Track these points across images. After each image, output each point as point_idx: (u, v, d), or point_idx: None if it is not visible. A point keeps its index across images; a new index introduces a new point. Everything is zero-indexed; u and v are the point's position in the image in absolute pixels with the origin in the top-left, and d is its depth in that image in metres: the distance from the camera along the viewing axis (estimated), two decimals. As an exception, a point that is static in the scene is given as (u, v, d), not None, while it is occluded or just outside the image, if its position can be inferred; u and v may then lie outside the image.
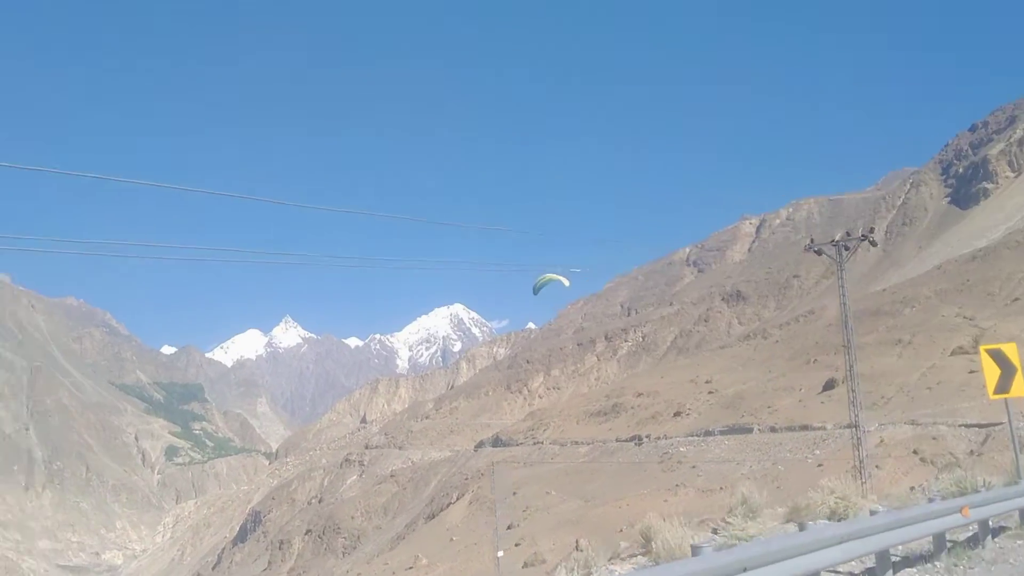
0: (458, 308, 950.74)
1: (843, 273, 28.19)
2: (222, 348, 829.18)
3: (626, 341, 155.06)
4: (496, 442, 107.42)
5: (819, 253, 28.85)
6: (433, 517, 78.33)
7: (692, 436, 62.78)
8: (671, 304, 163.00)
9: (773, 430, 54.48)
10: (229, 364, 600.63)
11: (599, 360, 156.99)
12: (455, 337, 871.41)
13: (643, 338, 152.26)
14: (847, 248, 27.98)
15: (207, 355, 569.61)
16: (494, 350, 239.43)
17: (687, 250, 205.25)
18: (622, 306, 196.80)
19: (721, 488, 41.43)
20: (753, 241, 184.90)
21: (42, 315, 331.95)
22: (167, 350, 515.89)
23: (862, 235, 27.84)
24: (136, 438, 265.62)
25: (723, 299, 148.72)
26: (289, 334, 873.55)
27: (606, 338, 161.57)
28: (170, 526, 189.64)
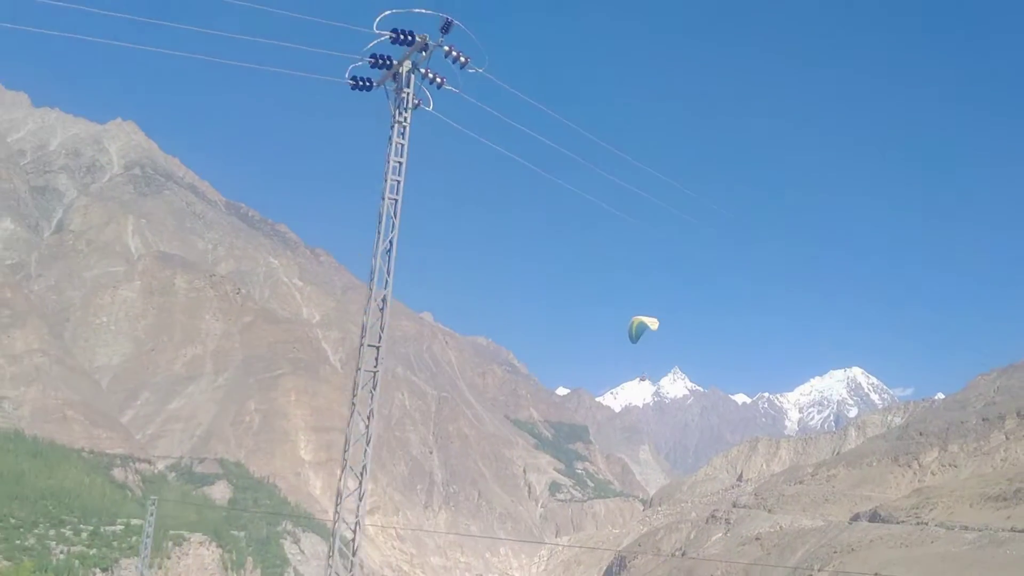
0: (856, 372, 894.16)
1: None
2: (611, 394, 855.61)
3: None
4: (874, 516, 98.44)
5: None
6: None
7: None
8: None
9: None
10: (617, 409, 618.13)
11: (1008, 439, 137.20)
12: (851, 402, 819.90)
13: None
14: None
15: (597, 399, 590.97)
16: (889, 418, 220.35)
17: None
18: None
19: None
20: None
21: (454, 351, 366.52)
22: (561, 391, 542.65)
23: None
24: (524, 471, 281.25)
25: None
26: (676, 385, 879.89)
27: (1019, 415, 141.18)
28: (545, 558, 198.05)
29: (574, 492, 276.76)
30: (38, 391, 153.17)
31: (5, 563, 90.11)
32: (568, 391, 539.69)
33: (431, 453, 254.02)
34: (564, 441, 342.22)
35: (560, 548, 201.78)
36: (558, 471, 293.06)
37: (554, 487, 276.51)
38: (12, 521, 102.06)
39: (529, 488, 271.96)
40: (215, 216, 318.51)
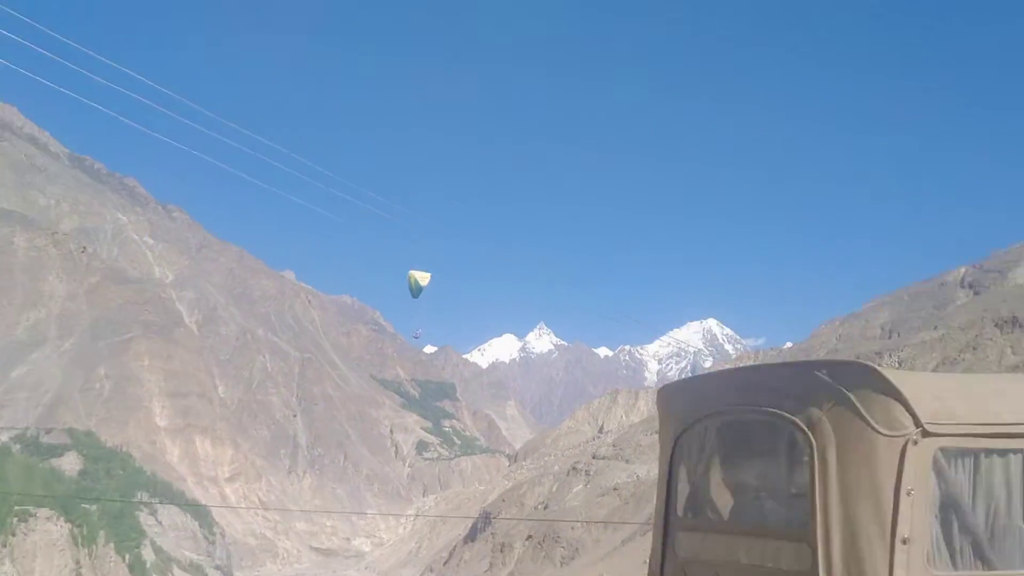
0: (711, 323, 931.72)
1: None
2: (479, 350, 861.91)
3: (880, 366, 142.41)
4: None
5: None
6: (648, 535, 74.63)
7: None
8: (935, 328, 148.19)
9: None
10: (484, 366, 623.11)
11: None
12: (707, 352, 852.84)
13: (899, 364, 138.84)
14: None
15: (464, 356, 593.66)
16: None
17: (962, 270, 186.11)
18: (882, 328, 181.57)
19: None
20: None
21: (317, 310, 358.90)
22: (428, 349, 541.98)
23: None
24: (391, 431, 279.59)
25: (996, 325, 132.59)
26: (542, 340, 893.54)
27: (856, 359, 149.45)
28: (412, 518, 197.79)
29: (441, 451, 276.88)
30: None
31: None
32: (435, 349, 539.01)
33: (295, 416, 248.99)
34: (431, 399, 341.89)
35: (428, 508, 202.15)
36: (425, 430, 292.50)
37: (421, 446, 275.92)
38: None
39: (396, 448, 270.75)
40: (58, 169, 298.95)
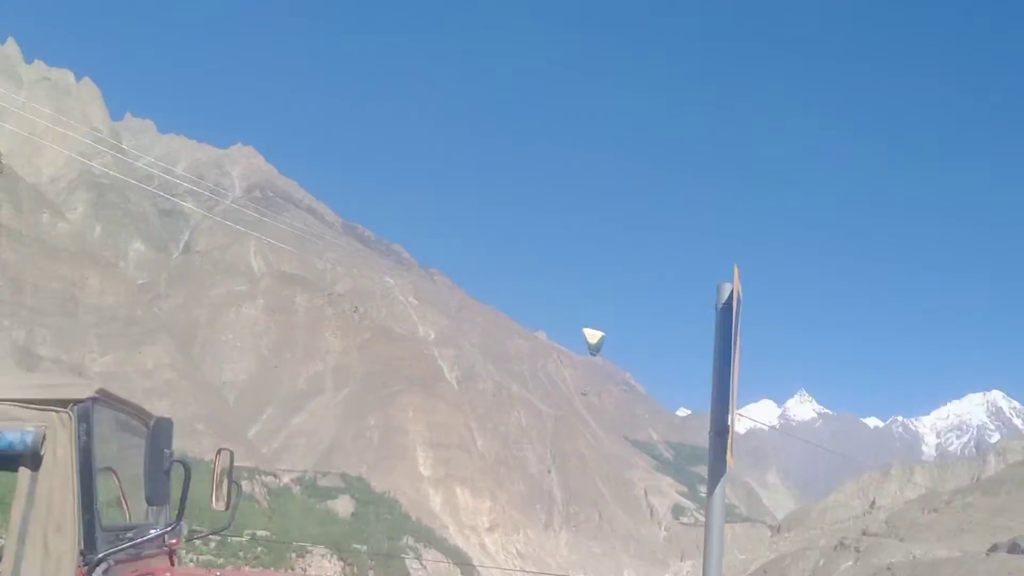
0: (996, 395, 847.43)
1: None
2: (738, 415, 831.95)
3: None
4: (1013, 548, 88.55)
5: None
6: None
7: None
8: None
9: None
10: (741, 432, 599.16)
11: None
12: (992, 427, 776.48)
13: None
14: None
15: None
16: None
17: None
18: None
19: None
20: None
21: (568, 369, 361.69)
22: (681, 412, 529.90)
23: None
24: (645, 493, 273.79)
25: None
26: (804, 407, 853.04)
27: None
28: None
29: (698, 516, 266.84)
30: (168, 405, 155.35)
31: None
32: (689, 412, 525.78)
33: (549, 472, 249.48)
34: (686, 463, 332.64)
35: (685, 573, 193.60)
36: (681, 494, 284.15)
37: (677, 510, 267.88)
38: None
39: (651, 511, 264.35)
40: (333, 236, 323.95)
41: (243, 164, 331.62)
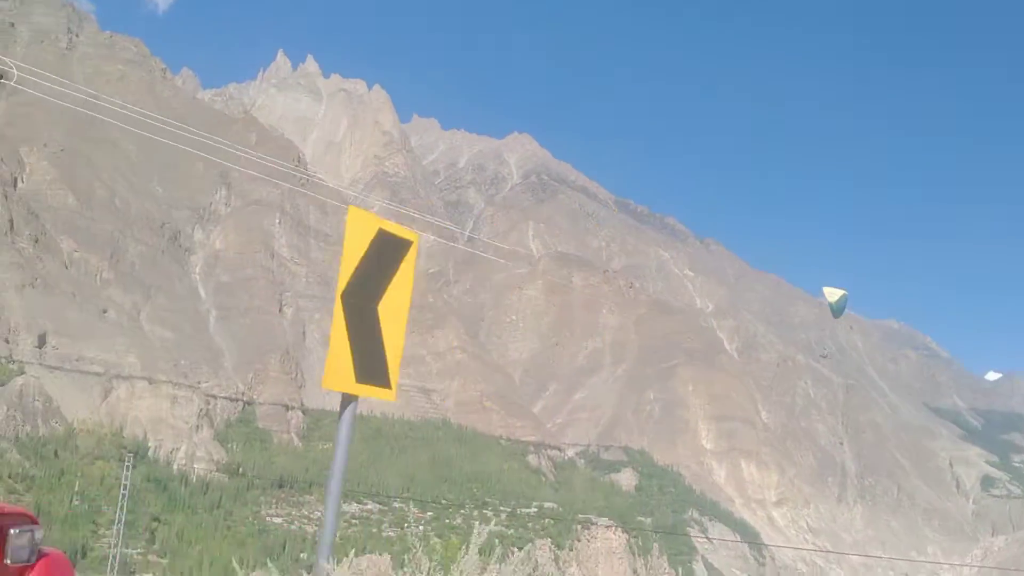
0: None
1: None
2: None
3: None
4: None
5: None
6: None
7: None
8: None
9: None
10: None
11: None
12: None
13: None
14: None
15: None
16: None
17: None
18: None
19: None
20: None
21: (859, 335, 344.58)
22: (991, 376, 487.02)
23: None
24: (950, 464, 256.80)
25: None
26: None
27: None
28: (979, 558, 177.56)
29: (1011, 487, 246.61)
30: (460, 384, 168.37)
31: (436, 540, 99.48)
32: (1000, 375, 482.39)
33: (841, 444, 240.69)
34: (996, 431, 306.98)
35: (997, 549, 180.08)
36: (991, 464, 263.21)
37: (987, 481, 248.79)
38: (443, 502, 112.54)
39: (957, 483, 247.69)
40: (606, 214, 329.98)
41: (519, 152, 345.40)
